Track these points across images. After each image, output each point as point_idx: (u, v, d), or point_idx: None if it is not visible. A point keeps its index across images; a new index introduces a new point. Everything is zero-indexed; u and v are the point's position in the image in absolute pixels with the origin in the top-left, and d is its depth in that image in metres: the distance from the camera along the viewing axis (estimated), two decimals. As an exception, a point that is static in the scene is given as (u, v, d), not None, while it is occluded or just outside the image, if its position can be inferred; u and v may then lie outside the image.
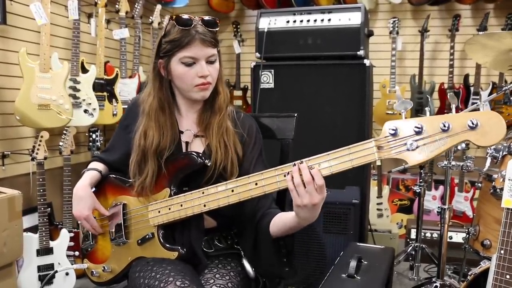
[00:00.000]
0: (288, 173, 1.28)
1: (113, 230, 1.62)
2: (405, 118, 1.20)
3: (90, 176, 1.66)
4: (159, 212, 1.50)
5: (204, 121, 1.58)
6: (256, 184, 1.35)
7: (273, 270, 1.52)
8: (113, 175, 1.69)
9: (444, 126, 1.12)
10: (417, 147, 1.15)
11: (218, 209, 1.42)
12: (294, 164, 1.27)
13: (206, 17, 1.50)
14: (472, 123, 1.10)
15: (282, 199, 1.66)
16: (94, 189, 1.67)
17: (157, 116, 1.55)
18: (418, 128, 1.15)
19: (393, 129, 1.18)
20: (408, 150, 1.16)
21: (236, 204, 1.39)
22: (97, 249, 1.70)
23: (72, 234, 3.02)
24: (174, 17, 1.48)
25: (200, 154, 1.51)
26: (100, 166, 1.71)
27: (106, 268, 1.64)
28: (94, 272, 1.68)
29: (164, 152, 1.53)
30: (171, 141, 1.55)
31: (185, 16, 1.48)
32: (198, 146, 1.59)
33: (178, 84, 1.55)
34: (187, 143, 1.59)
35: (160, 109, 1.56)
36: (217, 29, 1.51)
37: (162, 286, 1.33)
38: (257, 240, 1.50)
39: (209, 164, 1.50)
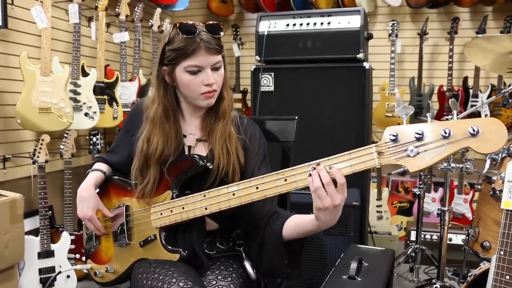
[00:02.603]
0: (310, 174, 1.26)
1: (116, 231, 1.63)
2: (406, 123, 1.20)
3: (94, 176, 1.67)
4: (161, 214, 1.51)
5: (207, 126, 1.58)
6: (257, 188, 1.35)
7: (279, 271, 1.51)
8: (117, 177, 1.70)
9: (445, 132, 1.12)
10: (417, 154, 1.15)
11: (220, 211, 1.42)
12: (314, 168, 1.25)
13: (210, 23, 1.49)
14: (473, 130, 1.09)
15: (283, 203, 1.67)
16: (98, 190, 1.68)
17: (162, 124, 1.55)
18: (419, 134, 1.14)
19: (393, 135, 1.17)
20: (408, 156, 1.15)
21: (238, 207, 1.40)
22: (101, 250, 1.71)
23: (73, 237, 3.03)
24: (177, 24, 1.47)
25: (203, 157, 1.51)
26: (104, 167, 1.72)
27: (109, 268, 1.65)
28: (98, 273, 1.69)
29: (167, 159, 1.53)
30: (175, 148, 1.55)
31: (189, 24, 1.47)
32: (201, 151, 1.59)
33: (184, 92, 1.54)
34: (189, 147, 1.60)
35: (165, 117, 1.55)
36: (221, 34, 1.50)
37: (165, 287, 1.34)
38: (264, 242, 1.48)
39: (211, 167, 1.50)
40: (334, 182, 1.23)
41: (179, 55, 1.46)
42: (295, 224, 1.42)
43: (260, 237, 1.50)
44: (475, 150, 1.10)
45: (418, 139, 1.15)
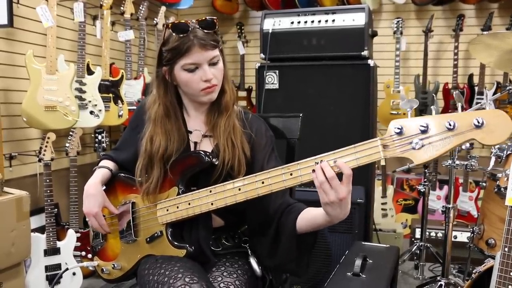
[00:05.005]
0: (313, 170, 1.27)
1: (123, 228, 1.64)
2: (411, 116, 1.20)
3: (101, 173, 1.67)
4: (167, 210, 1.52)
5: (211, 120, 1.59)
6: (263, 182, 1.35)
7: (289, 266, 1.50)
8: (123, 174, 1.71)
9: (450, 125, 1.11)
10: (422, 146, 1.14)
11: (226, 207, 1.43)
12: (316, 163, 1.26)
13: (203, 19, 1.49)
14: (478, 122, 1.09)
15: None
16: (104, 187, 1.68)
17: (163, 123, 1.55)
18: (424, 127, 1.14)
19: (398, 128, 1.17)
20: (413, 149, 1.15)
21: (246, 202, 1.40)
22: (107, 246, 1.72)
23: (78, 235, 3.04)
24: (170, 24, 1.47)
25: (208, 153, 1.52)
26: (110, 164, 1.73)
27: (116, 265, 1.66)
28: (104, 269, 1.70)
29: (171, 157, 1.53)
30: (179, 146, 1.55)
31: (181, 22, 1.47)
32: (206, 146, 1.59)
33: (185, 90, 1.55)
34: (195, 143, 1.60)
35: (166, 116, 1.56)
36: (215, 29, 1.50)
37: (171, 282, 1.34)
38: (278, 236, 1.48)
39: (216, 163, 1.50)
40: (340, 176, 1.24)
41: (175, 54, 1.47)
42: (307, 217, 1.42)
43: (274, 230, 1.49)
44: (480, 141, 1.10)
45: (423, 132, 1.14)
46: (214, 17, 1.51)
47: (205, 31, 1.47)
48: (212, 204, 1.44)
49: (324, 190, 1.25)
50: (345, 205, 1.28)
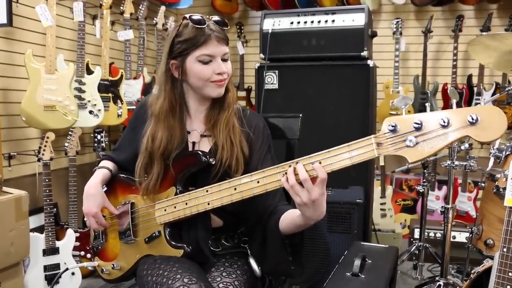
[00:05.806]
0: (284, 174, 1.29)
1: (122, 228, 1.64)
2: (405, 113, 1.19)
3: (101, 174, 1.67)
4: (165, 210, 1.52)
5: (212, 118, 1.59)
6: (258, 182, 1.35)
7: (281, 268, 1.51)
8: (123, 174, 1.71)
9: (444, 121, 1.10)
10: (417, 143, 1.13)
11: (223, 207, 1.43)
12: (290, 166, 1.28)
13: (216, 17, 1.53)
14: (472, 119, 1.08)
15: (288, 196, 1.68)
16: (105, 187, 1.69)
17: (167, 118, 1.55)
18: (418, 124, 1.13)
19: (392, 126, 1.16)
20: (408, 146, 1.14)
21: (240, 202, 1.40)
22: (107, 247, 1.72)
23: (77, 234, 3.04)
24: (188, 16, 1.50)
25: (205, 153, 1.52)
26: (110, 164, 1.73)
27: (115, 265, 1.66)
28: (104, 270, 1.70)
29: (171, 153, 1.54)
30: (179, 142, 1.56)
31: (199, 15, 1.50)
32: (205, 146, 1.60)
33: (194, 83, 1.54)
34: (193, 143, 1.60)
35: (170, 111, 1.56)
36: (227, 28, 1.54)
37: (170, 283, 1.34)
38: (265, 238, 1.50)
39: (213, 163, 1.51)
40: (315, 179, 1.24)
41: (190, 45, 1.49)
42: (287, 218, 1.44)
43: (262, 232, 1.51)
44: (475, 138, 1.09)
45: (417, 129, 1.13)
46: (224, 18, 1.54)
47: (219, 27, 1.51)
48: (208, 204, 1.44)
49: (295, 192, 1.26)
50: (318, 206, 1.28)
